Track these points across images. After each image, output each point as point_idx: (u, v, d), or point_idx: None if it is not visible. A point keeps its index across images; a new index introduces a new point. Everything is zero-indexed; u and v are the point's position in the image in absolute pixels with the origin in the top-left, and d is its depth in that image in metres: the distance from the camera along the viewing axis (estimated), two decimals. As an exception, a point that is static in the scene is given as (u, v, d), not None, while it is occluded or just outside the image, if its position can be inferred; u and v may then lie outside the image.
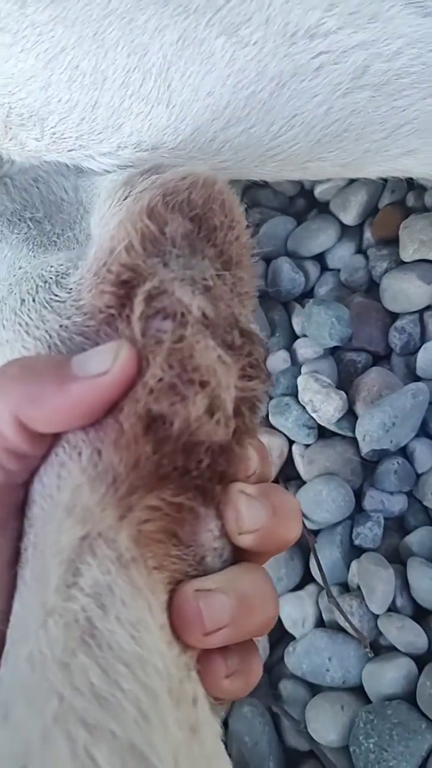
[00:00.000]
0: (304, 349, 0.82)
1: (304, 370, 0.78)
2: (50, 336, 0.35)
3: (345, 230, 0.88)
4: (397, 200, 0.84)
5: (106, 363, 0.29)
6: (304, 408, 0.76)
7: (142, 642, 0.27)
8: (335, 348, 0.81)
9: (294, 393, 0.78)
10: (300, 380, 0.76)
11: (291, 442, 0.78)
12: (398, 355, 0.78)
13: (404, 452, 0.73)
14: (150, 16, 0.43)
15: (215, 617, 0.29)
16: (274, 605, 0.32)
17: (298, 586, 0.72)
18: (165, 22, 0.43)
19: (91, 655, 0.26)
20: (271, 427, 0.78)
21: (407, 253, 0.77)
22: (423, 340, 0.77)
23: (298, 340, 0.83)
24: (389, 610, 0.66)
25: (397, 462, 0.71)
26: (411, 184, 0.84)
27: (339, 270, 0.86)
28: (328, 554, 0.70)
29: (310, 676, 0.66)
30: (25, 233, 0.46)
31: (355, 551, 0.71)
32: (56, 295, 0.37)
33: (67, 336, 0.34)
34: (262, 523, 0.31)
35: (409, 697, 0.62)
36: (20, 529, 0.31)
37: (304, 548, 0.72)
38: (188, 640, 0.29)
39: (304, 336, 0.83)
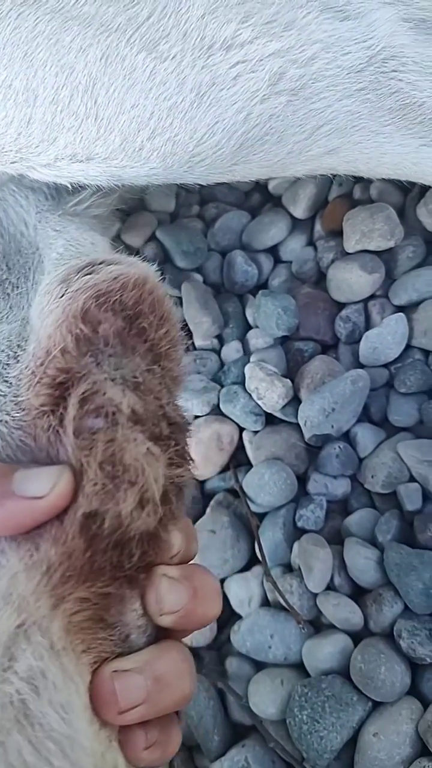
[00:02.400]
0: (255, 339, 0.85)
1: (252, 359, 0.81)
2: None
3: (296, 223, 0.90)
4: (345, 193, 0.87)
5: (44, 487, 0.32)
6: (250, 396, 0.79)
7: (70, 722, 0.29)
8: (285, 338, 0.84)
9: (242, 382, 0.80)
10: (247, 369, 0.79)
11: (241, 429, 0.81)
12: (344, 343, 0.81)
13: (347, 437, 0.76)
14: (74, 36, 0.46)
15: (129, 697, 0.31)
16: (190, 683, 0.34)
17: (245, 567, 0.75)
18: (88, 41, 0.46)
19: (25, 734, 0.28)
20: (222, 414, 0.81)
21: (350, 244, 0.79)
22: (368, 328, 0.80)
23: (251, 331, 0.86)
24: (328, 588, 0.69)
25: (339, 446, 0.74)
26: (357, 177, 0.86)
27: (291, 262, 0.89)
28: (271, 536, 0.73)
29: (253, 653, 0.69)
30: None
31: (298, 533, 0.73)
32: None
33: (6, 431, 0.37)
34: (183, 604, 0.34)
35: (345, 671, 0.65)
36: None
37: (249, 530, 0.75)
38: (105, 717, 0.31)
39: (256, 327, 0.85)
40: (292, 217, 0.90)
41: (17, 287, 0.47)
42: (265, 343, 0.84)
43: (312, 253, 0.87)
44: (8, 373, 0.39)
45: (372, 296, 0.80)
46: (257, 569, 0.74)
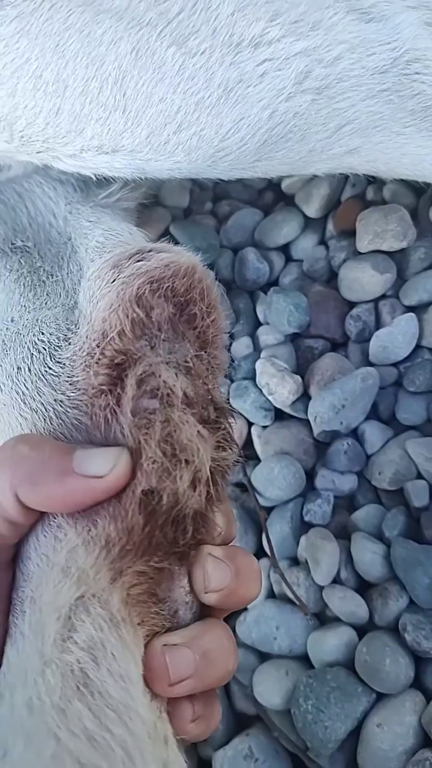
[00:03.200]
0: (265, 335, 0.86)
1: (263, 355, 0.82)
2: (46, 409, 0.39)
3: (309, 222, 0.91)
4: (358, 194, 0.88)
5: (104, 468, 0.33)
6: (261, 391, 0.79)
7: (128, 691, 0.31)
8: (296, 335, 0.85)
9: (253, 377, 0.81)
10: (257, 364, 0.80)
11: (250, 424, 0.82)
12: (354, 342, 0.82)
13: (355, 434, 0.77)
14: (106, 29, 0.47)
15: (179, 670, 0.33)
16: (234, 659, 0.36)
17: (252, 560, 0.76)
18: (120, 34, 0.47)
19: (85, 702, 0.30)
20: (232, 409, 0.82)
21: (363, 244, 0.80)
22: (378, 327, 0.81)
23: (261, 327, 0.87)
24: (334, 582, 0.70)
25: (348, 443, 0.75)
26: (371, 178, 0.87)
27: (302, 260, 0.90)
28: (278, 529, 0.74)
29: (258, 644, 0.70)
30: (18, 271, 0.50)
31: (305, 527, 0.74)
32: (50, 368, 0.41)
33: (62, 410, 0.38)
34: (227, 583, 0.35)
35: (350, 663, 0.66)
36: (9, 580, 0.35)
37: (257, 523, 0.76)
38: (156, 689, 0.33)
39: (267, 323, 0.86)
40: (305, 216, 0.91)
41: (52, 275, 0.48)
42: (276, 340, 0.85)
43: (324, 252, 0.88)
44: (60, 354, 0.41)
45: (383, 296, 0.81)
46: (264, 562, 0.75)
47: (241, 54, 0.50)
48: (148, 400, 0.36)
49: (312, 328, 0.83)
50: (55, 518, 0.35)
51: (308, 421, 0.77)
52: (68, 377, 0.39)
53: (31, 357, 0.42)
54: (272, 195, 0.96)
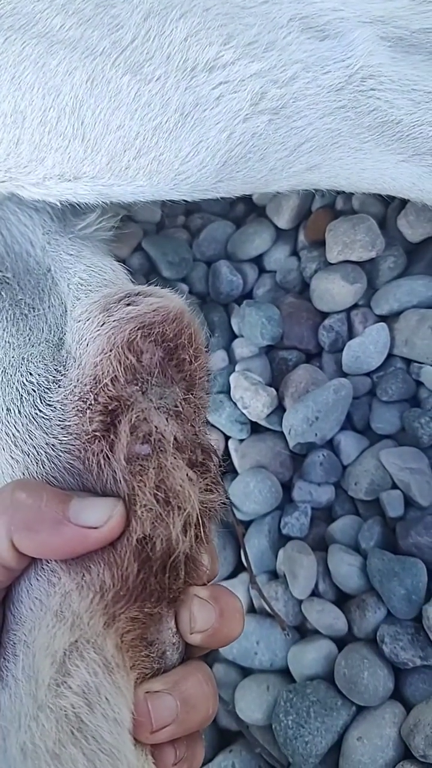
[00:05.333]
0: (240, 348, 0.86)
1: (237, 368, 0.82)
2: (38, 452, 0.39)
3: (280, 234, 0.91)
4: (328, 204, 0.88)
5: (100, 519, 0.34)
6: (235, 404, 0.80)
7: (120, 736, 0.31)
8: (270, 347, 0.85)
9: (228, 391, 0.81)
10: (232, 378, 0.80)
11: (227, 438, 0.82)
12: (328, 352, 0.82)
13: (331, 445, 0.77)
14: (60, 60, 0.48)
15: (161, 717, 0.33)
16: (214, 703, 0.36)
17: (232, 575, 0.76)
18: (74, 64, 0.48)
19: (79, 746, 0.30)
20: (208, 423, 0.82)
21: (332, 255, 0.81)
22: (350, 336, 0.81)
23: (236, 340, 0.87)
24: (313, 594, 0.70)
25: (323, 454, 0.75)
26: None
27: (275, 271, 0.90)
28: (256, 543, 0.74)
29: (239, 659, 0.70)
30: None
31: (283, 540, 0.75)
32: (41, 411, 0.41)
33: (54, 454, 0.39)
34: (211, 624, 0.36)
35: (330, 676, 0.66)
36: (0, 622, 0.35)
37: (236, 538, 0.76)
38: (138, 736, 0.33)
39: (241, 336, 0.87)
40: (276, 228, 0.91)
41: (33, 308, 0.48)
42: (250, 353, 0.85)
43: (296, 263, 0.88)
44: (51, 397, 0.41)
45: (354, 306, 0.81)
46: (243, 576, 0.75)
47: (196, 78, 0.50)
48: (140, 445, 0.36)
49: (286, 339, 0.83)
50: (48, 563, 0.35)
51: (284, 433, 0.77)
52: (60, 421, 0.39)
53: (21, 399, 0.42)
54: (244, 207, 0.96)
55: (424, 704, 0.61)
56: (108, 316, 0.41)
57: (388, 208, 0.83)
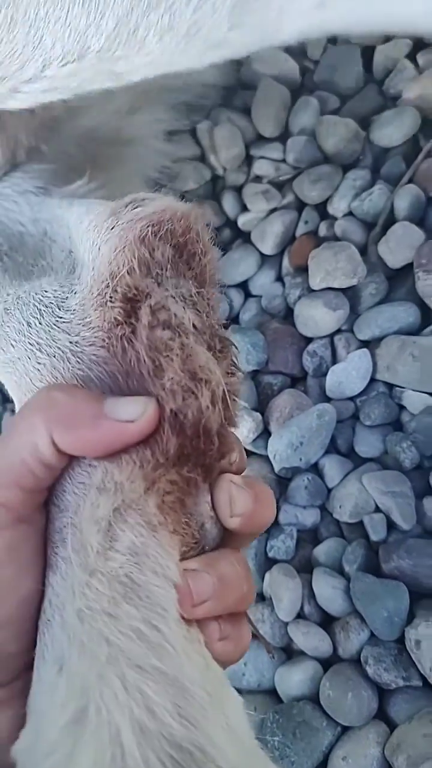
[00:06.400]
0: (226, 372, 0.87)
1: (224, 393, 0.84)
2: (63, 352, 0.41)
3: (265, 259, 0.93)
4: (311, 230, 0.90)
5: (135, 412, 0.35)
6: (222, 430, 0.81)
7: (169, 592, 0.33)
8: (256, 371, 0.86)
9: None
10: (218, 404, 0.82)
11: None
12: (312, 377, 0.83)
13: (316, 468, 0.79)
14: None
15: (201, 591, 0.35)
16: (249, 583, 0.38)
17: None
18: None
19: (133, 603, 0.32)
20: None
21: (315, 282, 0.83)
22: (334, 361, 0.83)
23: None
24: (299, 617, 0.72)
25: (308, 478, 0.77)
26: (323, 215, 0.90)
27: (261, 296, 0.92)
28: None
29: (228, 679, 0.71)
30: (2, 265, 0.51)
31: (270, 563, 0.76)
32: (61, 317, 0.42)
33: (79, 350, 0.40)
34: (249, 507, 0.37)
35: (316, 697, 0.67)
36: (44, 522, 0.37)
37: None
38: (181, 611, 0.34)
39: (227, 360, 0.88)
40: (261, 253, 0.93)
41: (37, 264, 0.50)
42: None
43: (280, 289, 0.90)
44: (68, 304, 0.42)
45: (338, 331, 0.83)
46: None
47: None
48: (161, 331, 0.37)
49: (271, 364, 0.85)
50: (86, 459, 0.37)
51: (268, 457, 0.79)
52: (81, 320, 0.41)
53: (40, 312, 0.43)
54: (230, 232, 0.98)
55: (407, 724, 0.63)
56: (117, 220, 0.42)
57: (369, 235, 0.85)
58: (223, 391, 0.38)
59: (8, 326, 0.45)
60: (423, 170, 0.83)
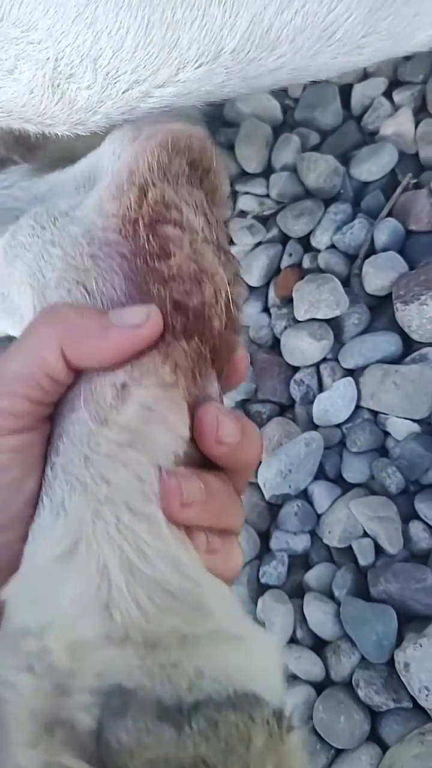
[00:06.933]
0: (216, 402, 0.90)
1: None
2: (76, 240, 0.40)
3: (252, 291, 0.96)
4: (295, 262, 0.93)
5: (140, 318, 0.35)
6: (213, 459, 0.83)
7: (177, 442, 0.34)
8: (244, 401, 0.89)
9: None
10: (208, 434, 0.84)
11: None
12: (300, 404, 0.86)
13: (305, 494, 0.81)
14: None
15: (190, 491, 0.34)
16: (238, 503, 0.37)
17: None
18: None
19: (139, 449, 0.33)
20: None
21: (300, 313, 0.85)
22: (321, 389, 0.85)
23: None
24: (292, 641, 0.73)
25: (297, 505, 0.79)
26: (307, 248, 0.93)
27: (249, 327, 0.94)
28: (236, 592, 0.77)
29: (223, 706, 0.73)
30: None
31: (262, 588, 0.78)
32: (75, 216, 0.42)
33: (91, 237, 0.40)
34: (236, 438, 0.36)
35: (310, 720, 0.69)
36: (49, 430, 0.37)
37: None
38: (169, 506, 0.34)
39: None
40: (248, 285, 0.95)
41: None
42: (226, 405, 0.88)
43: (267, 320, 0.92)
44: (85, 204, 0.42)
45: (323, 360, 0.86)
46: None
47: None
48: (172, 228, 0.38)
49: (260, 393, 0.88)
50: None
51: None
52: (96, 210, 0.41)
53: (54, 219, 0.43)
54: (217, 265, 1.01)
55: (398, 745, 0.64)
56: (139, 133, 0.42)
57: (351, 266, 0.88)
58: (226, 293, 0.38)
59: (19, 234, 0.44)
60: (401, 203, 0.86)
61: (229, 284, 0.40)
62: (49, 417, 0.37)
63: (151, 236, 0.38)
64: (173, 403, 0.35)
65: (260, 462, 0.82)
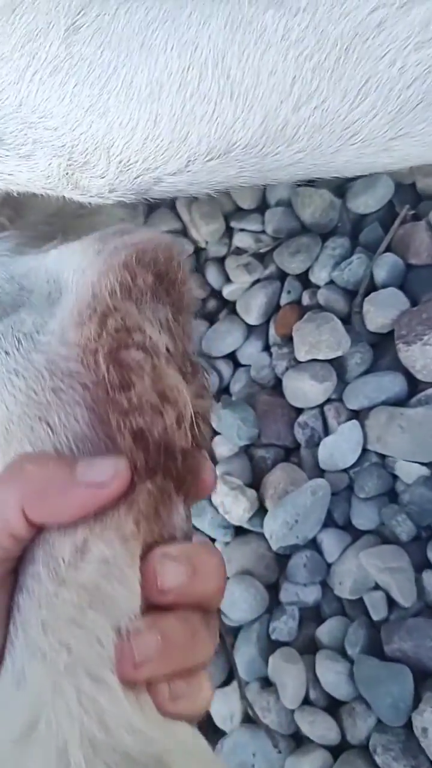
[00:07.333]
0: (219, 447, 0.87)
1: (217, 470, 0.83)
2: (39, 371, 0.40)
3: (252, 329, 0.93)
4: (294, 300, 0.90)
5: (107, 474, 0.34)
6: (216, 509, 0.81)
7: (135, 600, 0.33)
8: (248, 446, 0.86)
9: (209, 496, 0.82)
10: (212, 484, 0.81)
11: (213, 539, 0.83)
12: (305, 448, 0.83)
13: (315, 543, 0.78)
14: (192, 11, 0.42)
15: (143, 652, 0.32)
16: (205, 638, 0.35)
17: (226, 681, 0.76)
18: (207, 11, 0.42)
19: (99, 610, 0.32)
20: (193, 527, 0.83)
21: (300, 354, 0.82)
22: (326, 431, 0.82)
23: (215, 438, 0.88)
24: (306, 702, 0.70)
25: (306, 555, 0.76)
26: (306, 284, 0.90)
27: (250, 366, 0.92)
28: (246, 651, 0.74)
29: (236, 772, 0.70)
30: None
31: (273, 645, 0.75)
32: (40, 341, 0.42)
33: (54, 367, 0.40)
34: (180, 581, 0.35)
35: (327, 788, 0.66)
36: (10, 590, 0.35)
37: (226, 644, 0.76)
38: (121, 673, 0.32)
39: (219, 434, 0.88)
40: (247, 324, 0.93)
41: (11, 312, 0.49)
42: (230, 451, 0.86)
43: (268, 359, 0.90)
44: (48, 328, 0.42)
45: (328, 400, 0.83)
46: (236, 684, 0.75)
47: (349, 2, 0.41)
48: (135, 351, 0.38)
49: (263, 437, 0.85)
50: None
51: (266, 534, 0.78)
52: (59, 338, 0.41)
53: (18, 341, 0.43)
54: (215, 302, 0.99)
55: None
56: (104, 245, 0.42)
57: (352, 303, 0.85)
58: (191, 414, 0.38)
59: None
60: (400, 237, 0.84)
61: (197, 397, 0.39)
62: (13, 569, 0.36)
63: (111, 366, 0.37)
64: (132, 557, 0.34)
65: (266, 510, 0.80)
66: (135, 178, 0.45)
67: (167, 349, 0.39)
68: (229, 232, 0.98)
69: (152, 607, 0.34)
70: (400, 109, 0.43)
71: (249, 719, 0.73)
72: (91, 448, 0.39)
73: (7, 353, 0.43)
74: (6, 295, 0.54)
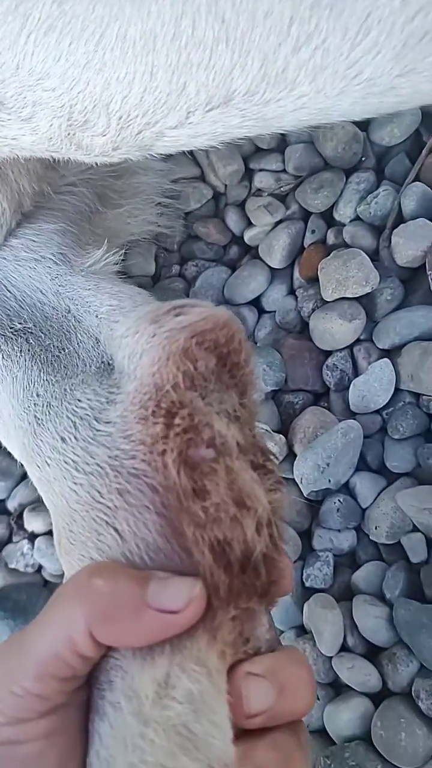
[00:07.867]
0: (246, 394, 0.84)
1: (244, 418, 0.80)
2: (101, 467, 0.39)
3: (275, 273, 0.90)
4: (319, 239, 0.86)
5: (180, 601, 0.33)
6: (245, 457, 0.78)
7: (228, 740, 0.31)
8: (275, 391, 0.83)
9: (236, 443, 0.80)
10: (238, 431, 0.78)
11: (242, 490, 0.80)
12: (334, 391, 0.80)
13: (347, 487, 0.75)
14: None
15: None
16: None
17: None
18: None
19: (193, 756, 0.30)
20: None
21: (327, 293, 0.79)
22: (356, 373, 0.79)
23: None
24: (343, 649, 0.68)
25: (339, 500, 0.73)
26: (330, 222, 0.86)
27: (275, 311, 0.88)
28: (280, 599, 0.71)
29: (274, 722, 0.67)
30: (28, 350, 0.50)
31: (308, 593, 0.72)
32: (99, 430, 0.41)
33: (118, 464, 0.39)
34: (268, 703, 0.33)
35: (368, 736, 0.63)
36: (86, 697, 0.35)
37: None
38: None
39: (246, 381, 0.85)
40: (271, 268, 0.89)
41: (63, 349, 0.49)
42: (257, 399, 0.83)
43: (293, 303, 0.86)
44: (108, 416, 0.41)
45: (357, 341, 0.79)
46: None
47: None
48: (204, 449, 0.36)
49: (291, 382, 0.82)
50: None
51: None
52: (121, 432, 0.39)
53: (74, 425, 0.42)
54: (237, 249, 0.95)
55: (468, 760, 0.58)
56: (159, 327, 0.40)
57: (380, 238, 0.81)
58: (269, 517, 0.36)
59: (41, 440, 0.43)
60: (429, 165, 0.79)
61: (271, 491, 0.37)
62: (81, 687, 0.35)
63: (182, 470, 0.35)
64: (219, 690, 0.32)
65: (296, 456, 0.77)
66: (137, 134, 0.44)
67: (237, 443, 0.37)
68: (248, 174, 0.94)
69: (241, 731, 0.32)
70: (405, 43, 0.40)
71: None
72: (164, 559, 0.36)
73: (63, 440, 0.42)
74: (53, 309, 0.52)
